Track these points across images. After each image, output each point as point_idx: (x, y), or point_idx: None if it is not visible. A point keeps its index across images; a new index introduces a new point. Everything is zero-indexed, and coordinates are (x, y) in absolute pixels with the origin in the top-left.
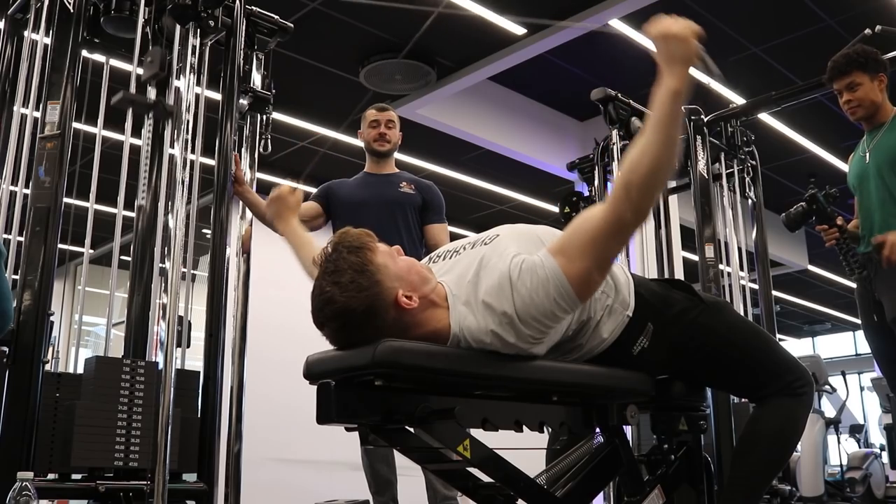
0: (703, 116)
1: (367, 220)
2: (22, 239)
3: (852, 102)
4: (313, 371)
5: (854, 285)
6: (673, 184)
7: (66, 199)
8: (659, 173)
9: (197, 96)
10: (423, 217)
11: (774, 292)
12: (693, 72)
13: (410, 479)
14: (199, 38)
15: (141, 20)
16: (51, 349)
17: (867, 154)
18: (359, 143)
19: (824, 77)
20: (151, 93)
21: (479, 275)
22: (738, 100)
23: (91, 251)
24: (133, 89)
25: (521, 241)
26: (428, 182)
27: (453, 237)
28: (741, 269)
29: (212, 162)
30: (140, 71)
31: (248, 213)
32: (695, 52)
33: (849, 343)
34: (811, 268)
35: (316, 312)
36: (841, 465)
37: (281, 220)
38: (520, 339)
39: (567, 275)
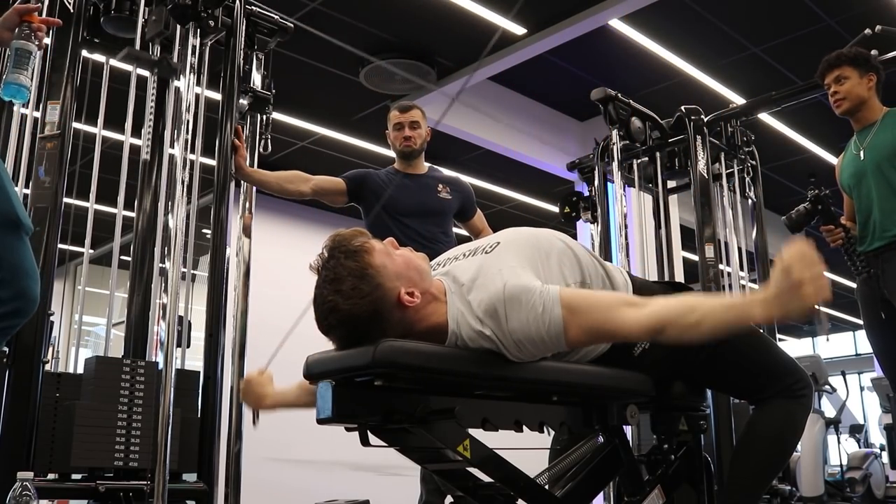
0: (703, 116)
1: (416, 231)
2: None
3: (838, 95)
4: (313, 371)
5: (853, 285)
6: (673, 184)
7: (66, 199)
8: (691, 339)
9: (197, 96)
10: (461, 215)
11: None
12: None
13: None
14: (199, 38)
15: (141, 20)
16: (51, 349)
17: (861, 152)
18: (357, 142)
19: (816, 74)
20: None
21: (477, 283)
22: (738, 100)
23: (91, 251)
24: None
25: (520, 252)
26: (457, 178)
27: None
28: (741, 269)
29: (212, 162)
30: (140, 71)
31: (248, 206)
32: (810, 302)
33: (849, 343)
34: None
35: (320, 320)
36: (841, 465)
37: (266, 401)
38: (507, 353)
39: (566, 329)
